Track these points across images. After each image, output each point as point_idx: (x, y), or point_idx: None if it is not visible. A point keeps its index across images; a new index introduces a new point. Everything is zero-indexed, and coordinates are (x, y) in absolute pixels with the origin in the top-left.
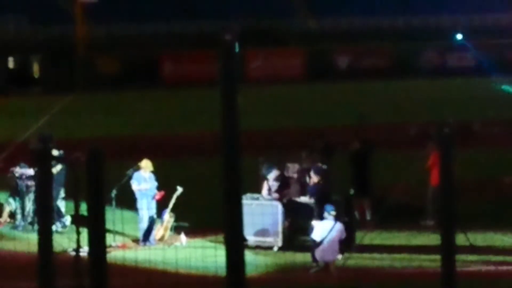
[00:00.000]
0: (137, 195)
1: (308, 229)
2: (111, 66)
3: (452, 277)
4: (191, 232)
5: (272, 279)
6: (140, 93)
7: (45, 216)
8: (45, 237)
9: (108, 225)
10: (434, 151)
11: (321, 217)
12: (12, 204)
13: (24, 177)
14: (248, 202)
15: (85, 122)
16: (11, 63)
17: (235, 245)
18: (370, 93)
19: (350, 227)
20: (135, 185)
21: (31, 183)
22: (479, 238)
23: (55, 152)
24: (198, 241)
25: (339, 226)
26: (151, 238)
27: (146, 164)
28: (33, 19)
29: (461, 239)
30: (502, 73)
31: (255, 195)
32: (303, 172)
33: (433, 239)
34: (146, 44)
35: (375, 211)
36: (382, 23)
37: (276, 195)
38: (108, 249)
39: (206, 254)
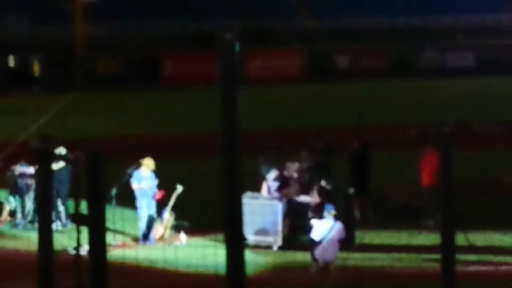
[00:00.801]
0: (137, 194)
1: (308, 229)
2: (111, 66)
3: (451, 277)
4: (191, 231)
5: (272, 279)
6: (140, 92)
7: (45, 214)
8: (45, 235)
9: (108, 224)
10: (430, 151)
11: (320, 216)
12: (12, 203)
13: (24, 175)
14: (248, 202)
15: (85, 122)
16: (11, 62)
17: (235, 245)
18: (369, 93)
19: (349, 227)
20: (135, 184)
21: (31, 181)
22: (479, 238)
23: (62, 151)
24: (198, 240)
25: (338, 225)
26: (151, 237)
27: (148, 163)
28: (33, 18)
29: (460, 239)
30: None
31: (255, 194)
32: (303, 172)
33: (432, 239)
34: (146, 44)
35: (375, 211)
36: (381, 23)
37: (276, 194)
38: (107, 248)
39: (206, 253)
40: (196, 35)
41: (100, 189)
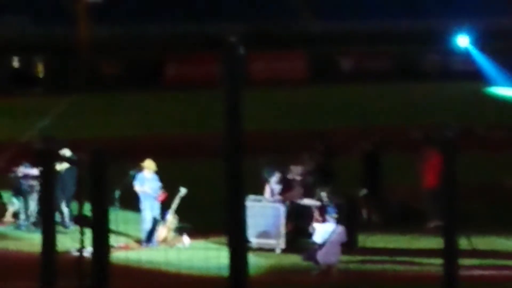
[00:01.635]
0: (140, 196)
1: (310, 232)
2: (114, 67)
3: (454, 281)
4: (194, 233)
5: (274, 281)
6: (143, 94)
7: (49, 216)
8: (48, 237)
9: (111, 226)
10: (433, 154)
11: (323, 219)
12: (15, 204)
13: (27, 177)
14: (251, 204)
15: (88, 123)
16: (14, 63)
17: (238, 247)
18: (374, 95)
19: (352, 230)
20: (138, 186)
21: (34, 182)
22: (482, 242)
23: (66, 152)
24: (201, 243)
25: (340, 229)
26: (154, 239)
27: (149, 165)
28: (36, 19)
29: (463, 243)
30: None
31: (258, 197)
32: (306, 175)
33: (435, 242)
34: (150, 46)
35: (381, 213)
36: (385, 26)
37: (278, 197)
38: (110, 250)
39: (209, 256)
40: (200, 37)
41: (103, 190)
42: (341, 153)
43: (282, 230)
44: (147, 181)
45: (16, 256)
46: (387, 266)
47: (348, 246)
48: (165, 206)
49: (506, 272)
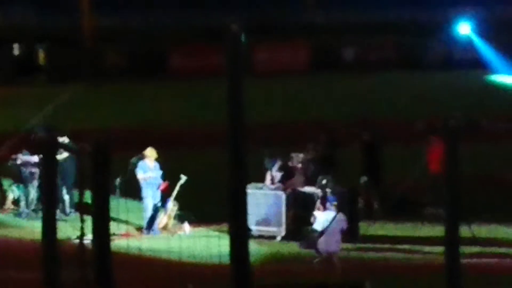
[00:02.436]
0: (142, 184)
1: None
2: (118, 57)
3: (456, 269)
4: (195, 221)
5: (275, 269)
6: (147, 84)
7: (50, 203)
8: (50, 224)
9: (112, 214)
10: (436, 144)
11: (323, 208)
12: (15, 191)
13: (28, 164)
14: (252, 192)
15: (91, 113)
16: (16, 52)
17: (239, 235)
18: (377, 86)
19: (354, 218)
20: (140, 174)
21: (35, 170)
22: (483, 231)
23: (65, 141)
24: (202, 231)
25: (340, 216)
26: (155, 227)
27: (150, 153)
28: (39, 8)
29: (464, 231)
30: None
31: (259, 185)
32: (308, 163)
33: (437, 231)
34: (154, 36)
35: (383, 202)
36: (387, 16)
37: (279, 185)
38: (111, 238)
39: (210, 244)
40: (204, 27)
41: (105, 179)
42: (343, 144)
43: (283, 217)
44: (149, 169)
45: (17, 244)
46: (389, 255)
47: (351, 234)
48: (166, 195)
49: (507, 261)
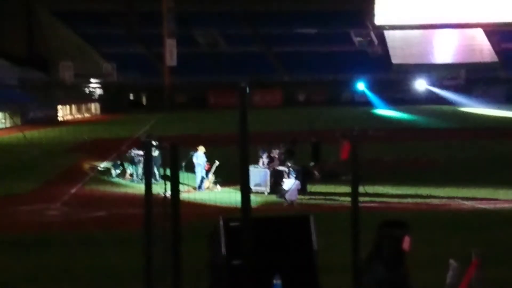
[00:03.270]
0: (196, 165)
1: (282, 184)
2: (182, 98)
3: (356, 208)
4: (223, 184)
5: (264, 209)
6: (196, 112)
7: (148, 175)
8: (148, 185)
9: (180, 180)
10: (346, 143)
11: (288, 177)
12: (130, 169)
13: (137, 155)
14: (251, 169)
15: (168, 128)
16: (131, 96)
17: (245, 191)
18: (317, 113)
19: (304, 183)
20: (195, 159)
21: (140, 158)
22: (371, 189)
23: (155, 142)
24: (226, 189)
25: (297, 182)
26: (202, 187)
27: (200, 148)
28: (143, 73)
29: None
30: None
31: (255, 165)
32: (281, 154)
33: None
34: (200, 87)
35: (321, 174)
36: (319, 76)
37: (266, 166)
38: (180, 193)
39: (231, 196)
40: (227, 83)
41: (176, 162)
42: (299, 143)
43: (268, 182)
44: (200, 157)
45: (131, 195)
46: (323, 201)
47: (303, 191)
48: (208, 171)
49: (389, 205)
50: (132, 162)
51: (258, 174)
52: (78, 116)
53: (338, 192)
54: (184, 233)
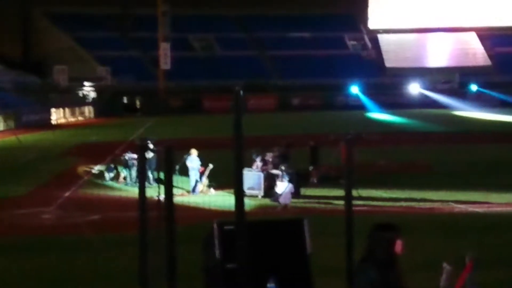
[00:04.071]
0: (190, 168)
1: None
2: (176, 102)
3: (350, 212)
4: (217, 187)
5: (257, 212)
6: (191, 116)
7: (143, 179)
8: (142, 189)
9: (174, 184)
10: (343, 146)
11: (282, 181)
12: (124, 172)
13: (131, 158)
14: (245, 172)
15: (163, 131)
16: (125, 100)
17: (239, 195)
18: (311, 118)
19: (297, 186)
20: (188, 162)
21: (134, 161)
22: (365, 192)
23: (150, 145)
24: (220, 192)
25: (290, 185)
26: (196, 190)
27: (194, 151)
28: (138, 77)
29: (354, 192)
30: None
31: (249, 168)
32: (274, 158)
33: (341, 192)
34: (195, 91)
35: (320, 177)
36: (315, 80)
37: (260, 169)
38: (173, 196)
39: (224, 199)
40: (221, 86)
41: (170, 165)
42: (294, 147)
43: (262, 186)
44: (193, 160)
45: (125, 199)
46: (316, 205)
47: (296, 194)
48: (202, 174)
49: (379, 209)
50: (126, 165)
51: (252, 178)
52: (72, 119)
53: (332, 195)
54: (179, 237)
